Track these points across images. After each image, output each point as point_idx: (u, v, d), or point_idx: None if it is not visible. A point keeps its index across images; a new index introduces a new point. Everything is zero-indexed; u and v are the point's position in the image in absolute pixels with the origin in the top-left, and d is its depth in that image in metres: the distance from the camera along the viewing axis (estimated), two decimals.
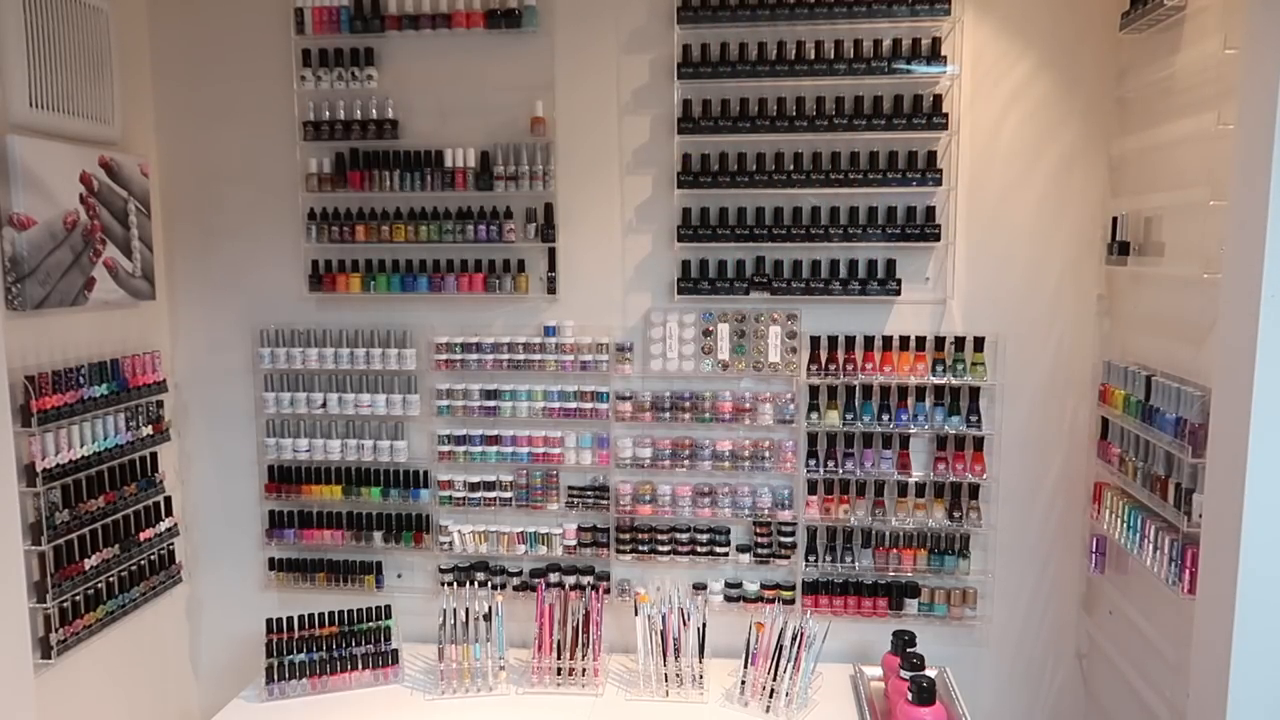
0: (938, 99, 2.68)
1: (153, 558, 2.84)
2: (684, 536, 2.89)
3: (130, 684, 2.81)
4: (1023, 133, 2.70)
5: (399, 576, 3.05)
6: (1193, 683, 2.00)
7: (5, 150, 2.27)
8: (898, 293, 2.71)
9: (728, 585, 2.89)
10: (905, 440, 2.79)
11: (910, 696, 2.28)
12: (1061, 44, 2.66)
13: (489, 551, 2.96)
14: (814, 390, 2.79)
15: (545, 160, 2.80)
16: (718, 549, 2.88)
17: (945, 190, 2.71)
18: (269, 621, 2.79)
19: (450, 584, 2.96)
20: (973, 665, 2.87)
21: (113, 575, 2.65)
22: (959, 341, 2.73)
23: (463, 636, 2.71)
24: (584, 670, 2.73)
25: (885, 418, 2.77)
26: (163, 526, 2.87)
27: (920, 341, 2.75)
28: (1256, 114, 1.76)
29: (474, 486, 2.92)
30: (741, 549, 2.88)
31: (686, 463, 2.86)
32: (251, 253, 2.98)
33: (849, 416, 2.77)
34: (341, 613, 2.85)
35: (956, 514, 2.78)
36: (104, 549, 2.60)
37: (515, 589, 2.97)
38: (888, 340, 2.76)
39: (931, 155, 2.68)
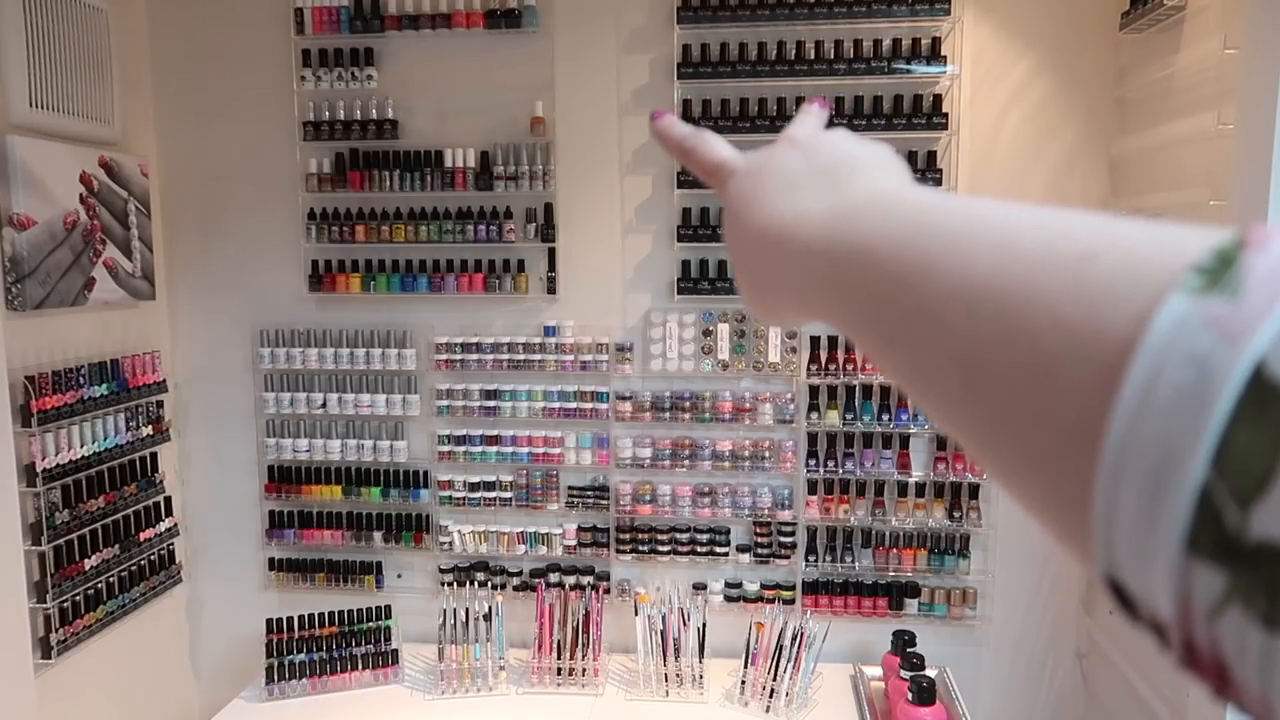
0: (938, 99, 2.68)
1: (153, 558, 2.84)
2: (684, 536, 2.89)
3: (130, 684, 2.81)
4: (1023, 133, 2.70)
5: (399, 576, 3.05)
6: (1193, 683, 1.99)
7: (5, 150, 2.27)
8: None
9: (728, 585, 2.89)
10: (905, 440, 2.79)
11: (910, 696, 2.28)
12: (1061, 44, 2.66)
13: (489, 551, 2.96)
14: (814, 390, 2.79)
15: (545, 160, 2.80)
16: (718, 549, 2.88)
17: (945, 190, 2.71)
18: (269, 621, 2.79)
19: (450, 584, 2.96)
20: (973, 665, 2.87)
21: (113, 575, 2.65)
22: None
23: (463, 636, 2.71)
24: (584, 670, 2.73)
25: (885, 418, 2.77)
26: (163, 526, 2.87)
27: None
28: (1256, 114, 1.77)
29: (474, 486, 2.92)
30: (741, 549, 2.88)
31: (686, 463, 2.86)
32: (251, 253, 2.98)
33: (849, 416, 2.78)
34: (341, 613, 2.85)
35: (956, 514, 2.78)
36: (104, 549, 2.60)
37: (515, 589, 2.97)
38: None
39: (931, 155, 2.68)
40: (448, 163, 2.82)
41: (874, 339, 0.35)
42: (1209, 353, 0.22)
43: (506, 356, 2.86)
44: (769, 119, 2.68)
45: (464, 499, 2.93)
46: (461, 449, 2.91)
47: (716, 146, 0.50)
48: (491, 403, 2.88)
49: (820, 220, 0.39)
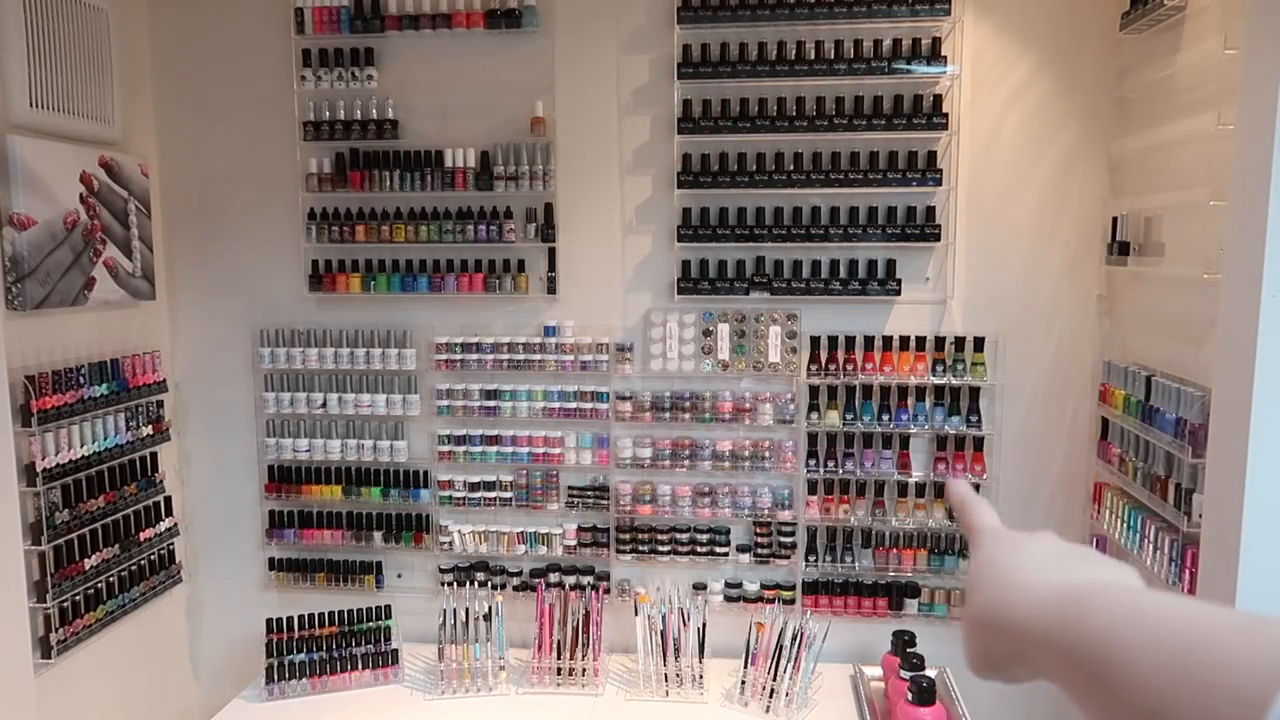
0: (938, 99, 2.68)
1: (153, 558, 2.84)
2: (684, 536, 2.89)
3: (130, 684, 2.81)
4: (1023, 133, 2.70)
5: (399, 576, 3.05)
6: None
7: (5, 150, 2.27)
8: (898, 293, 2.71)
9: (728, 585, 2.89)
10: (905, 440, 2.79)
11: (910, 696, 2.28)
12: (1061, 44, 2.66)
13: (489, 551, 2.96)
14: (814, 390, 2.79)
15: (545, 160, 2.80)
16: (718, 549, 2.88)
17: (945, 190, 2.71)
18: (269, 621, 2.79)
19: (450, 584, 2.96)
20: None
21: (113, 575, 2.65)
22: (959, 341, 2.73)
23: (463, 636, 2.71)
24: (584, 670, 2.73)
25: (885, 418, 2.77)
26: (163, 526, 2.87)
27: (920, 341, 2.75)
28: (1256, 114, 1.76)
29: (474, 486, 2.92)
30: (741, 549, 2.88)
31: (686, 463, 2.86)
32: (251, 253, 2.98)
33: (849, 416, 2.78)
34: (341, 613, 2.85)
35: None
36: (104, 549, 2.60)
37: (515, 589, 2.97)
38: (888, 340, 2.76)
39: (931, 155, 2.68)
40: (448, 163, 2.82)
41: (1080, 679, 0.52)
42: None
43: (506, 356, 2.86)
44: (769, 119, 2.68)
45: (464, 499, 2.93)
46: (461, 449, 2.91)
47: (985, 515, 0.65)
48: (491, 403, 2.88)
49: (1057, 583, 0.54)
